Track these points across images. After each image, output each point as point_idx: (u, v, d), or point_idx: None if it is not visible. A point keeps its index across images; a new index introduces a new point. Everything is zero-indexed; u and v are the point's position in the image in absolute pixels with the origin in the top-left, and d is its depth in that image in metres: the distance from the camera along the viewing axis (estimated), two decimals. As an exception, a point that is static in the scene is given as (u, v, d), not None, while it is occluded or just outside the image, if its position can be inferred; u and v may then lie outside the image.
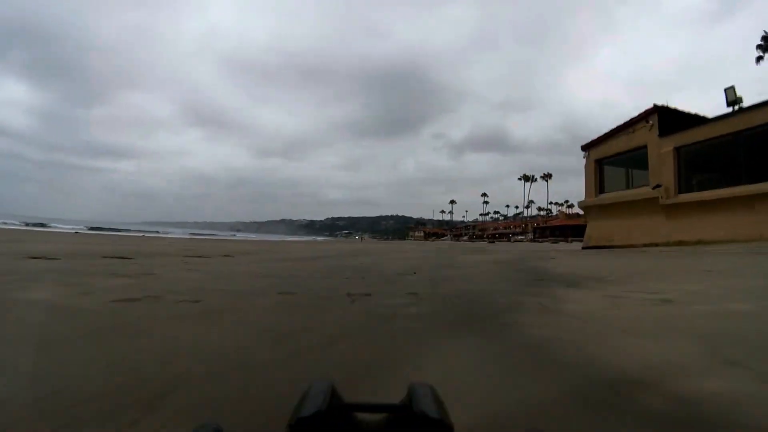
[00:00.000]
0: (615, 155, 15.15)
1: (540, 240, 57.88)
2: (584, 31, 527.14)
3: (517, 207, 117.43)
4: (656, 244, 12.80)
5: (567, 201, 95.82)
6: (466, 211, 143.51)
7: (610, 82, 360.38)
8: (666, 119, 13.47)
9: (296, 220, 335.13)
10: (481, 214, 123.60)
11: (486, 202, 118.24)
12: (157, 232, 48.43)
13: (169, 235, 35.60)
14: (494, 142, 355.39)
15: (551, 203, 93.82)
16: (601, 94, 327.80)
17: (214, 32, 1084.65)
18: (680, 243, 12.00)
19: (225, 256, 8.73)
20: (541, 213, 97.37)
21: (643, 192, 13.57)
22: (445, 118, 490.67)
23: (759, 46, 30.88)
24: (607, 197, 15.17)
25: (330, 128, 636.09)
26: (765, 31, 23.77)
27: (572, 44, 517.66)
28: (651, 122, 13.60)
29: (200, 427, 0.33)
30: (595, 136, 16.02)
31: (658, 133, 13.33)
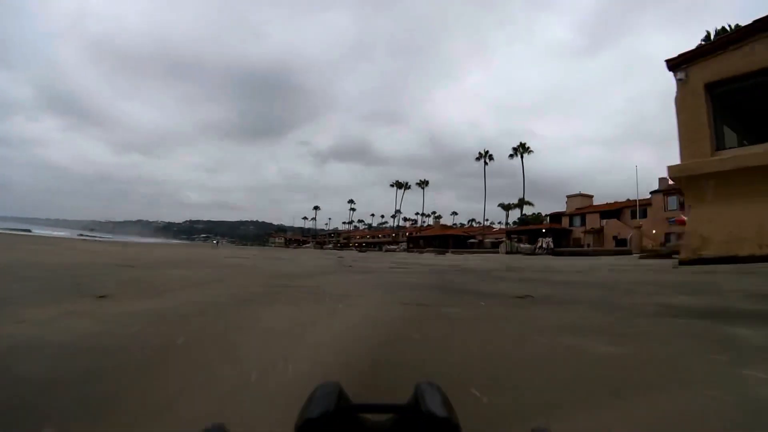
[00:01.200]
0: (763, 71, 7.47)
1: (417, 251, 52.21)
2: (457, 52, 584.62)
3: (382, 216, 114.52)
4: None
5: (434, 212, 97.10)
6: (330, 219, 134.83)
7: (478, 103, 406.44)
8: None
9: (153, 222, 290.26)
10: (344, 222, 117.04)
11: (353, 209, 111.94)
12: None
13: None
14: (359, 153, 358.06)
15: (417, 214, 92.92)
16: (467, 114, 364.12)
17: (84, 11, 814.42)
18: None
19: None
20: (406, 224, 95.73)
21: None
22: (312, 125, 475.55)
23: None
24: (761, 152, 7.26)
25: (195, 127, 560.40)
26: (707, 31, 21.92)
27: (444, 64, 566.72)
28: None
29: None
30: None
31: None
